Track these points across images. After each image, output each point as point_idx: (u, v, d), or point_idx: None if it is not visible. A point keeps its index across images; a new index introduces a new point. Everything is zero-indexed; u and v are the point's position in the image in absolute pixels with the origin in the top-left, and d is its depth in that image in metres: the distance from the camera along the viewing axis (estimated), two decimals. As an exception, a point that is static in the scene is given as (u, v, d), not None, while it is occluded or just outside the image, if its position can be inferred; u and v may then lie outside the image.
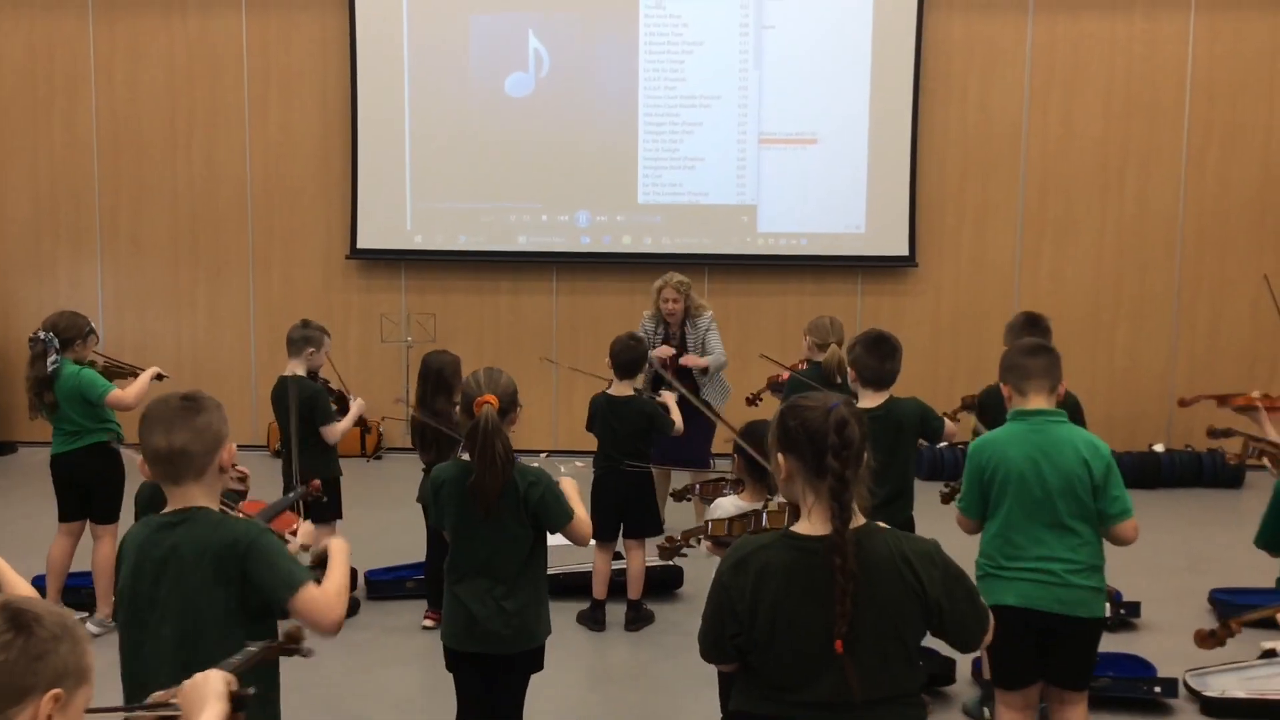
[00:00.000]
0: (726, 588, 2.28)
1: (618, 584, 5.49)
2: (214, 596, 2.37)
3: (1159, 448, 8.42)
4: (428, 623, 5.32)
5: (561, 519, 3.39)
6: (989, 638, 2.38)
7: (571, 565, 5.64)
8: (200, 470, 2.42)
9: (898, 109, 8.63)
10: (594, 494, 5.34)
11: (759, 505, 2.95)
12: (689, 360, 6.48)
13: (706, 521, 3.02)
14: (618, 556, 5.53)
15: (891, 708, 2.26)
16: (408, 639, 5.23)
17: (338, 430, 5.44)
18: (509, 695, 3.48)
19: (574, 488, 3.51)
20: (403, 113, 8.82)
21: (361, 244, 8.95)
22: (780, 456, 2.30)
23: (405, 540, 5.96)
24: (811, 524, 2.26)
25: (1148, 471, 8.17)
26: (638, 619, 5.40)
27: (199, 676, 1.81)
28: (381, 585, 5.74)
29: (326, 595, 2.42)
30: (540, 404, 8.32)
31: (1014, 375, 3.43)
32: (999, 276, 8.90)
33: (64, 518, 5.26)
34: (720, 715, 3.43)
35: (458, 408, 3.66)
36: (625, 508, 5.38)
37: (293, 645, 2.13)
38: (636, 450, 5.41)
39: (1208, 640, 2.96)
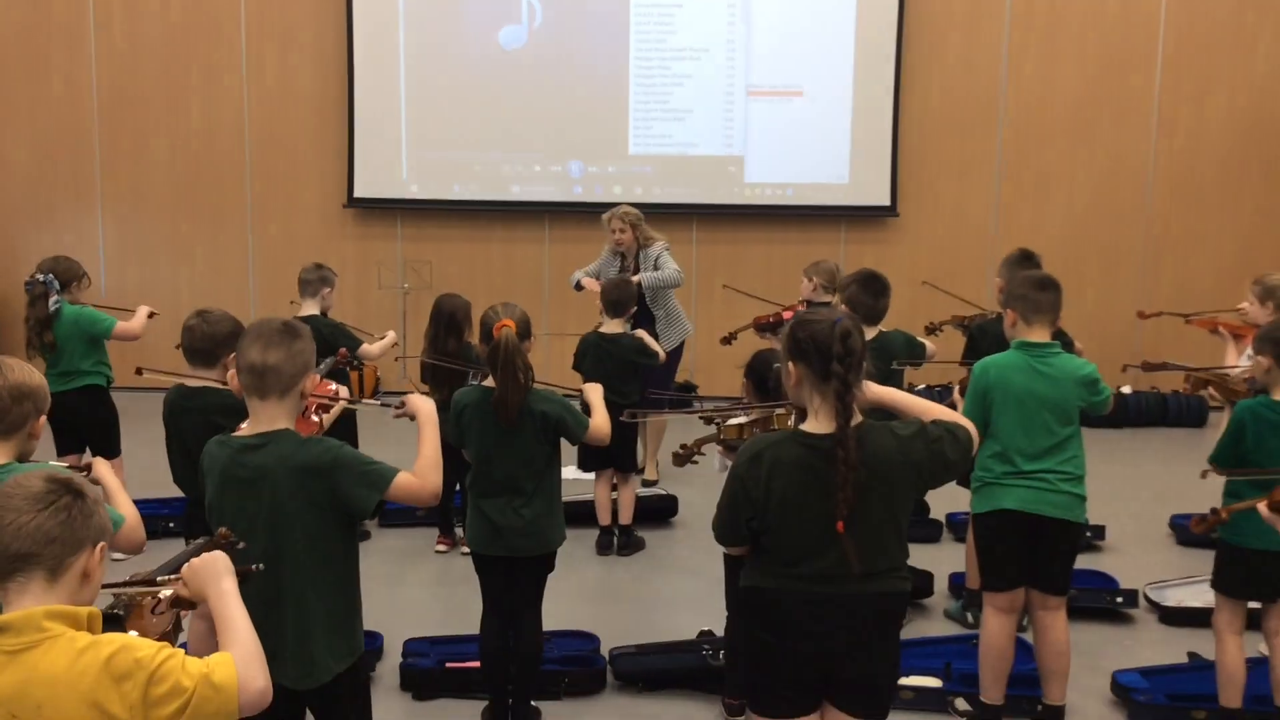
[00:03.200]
0: (743, 478, 2.59)
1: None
2: (303, 509, 2.60)
3: (1126, 389, 8.81)
4: (440, 547, 5.65)
5: (580, 429, 3.73)
6: (977, 443, 2.69)
7: (573, 496, 5.98)
8: (285, 390, 2.63)
9: (881, 62, 8.90)
10: None
11: (768, 413, 3.25)
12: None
13: (718, 426, 3.33)
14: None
15: (883, 578, 2.59)
16: (423, 562, 5.55)
17: (374, 351, 5.66)
18: (528, 592, 3.83)
19: (599, 392, 3.88)
20: (398, 65, 9.02)
21: (358, 194, 9.18)
22: (790, 364, 2.60)
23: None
24: (818, 423, 2.57)
25: (1116, 412, 8.53)
26: (629, 544, 5.73)
27: (206, 556, 2.03)
28: (392, 514, 6.04)
29: (418, 478, 2.72)
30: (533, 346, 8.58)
31: (1024, 305, 3.73)
32: (977, 226, 9.22)
33: (61, 453, 5.45)
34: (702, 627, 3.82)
35: (478, 339, 3.93)
36: (616, 441, 5.59)
37: (226, 546, 2.29)
38: (625, 387, 5.67)
39: (1200, 524, 3.27)
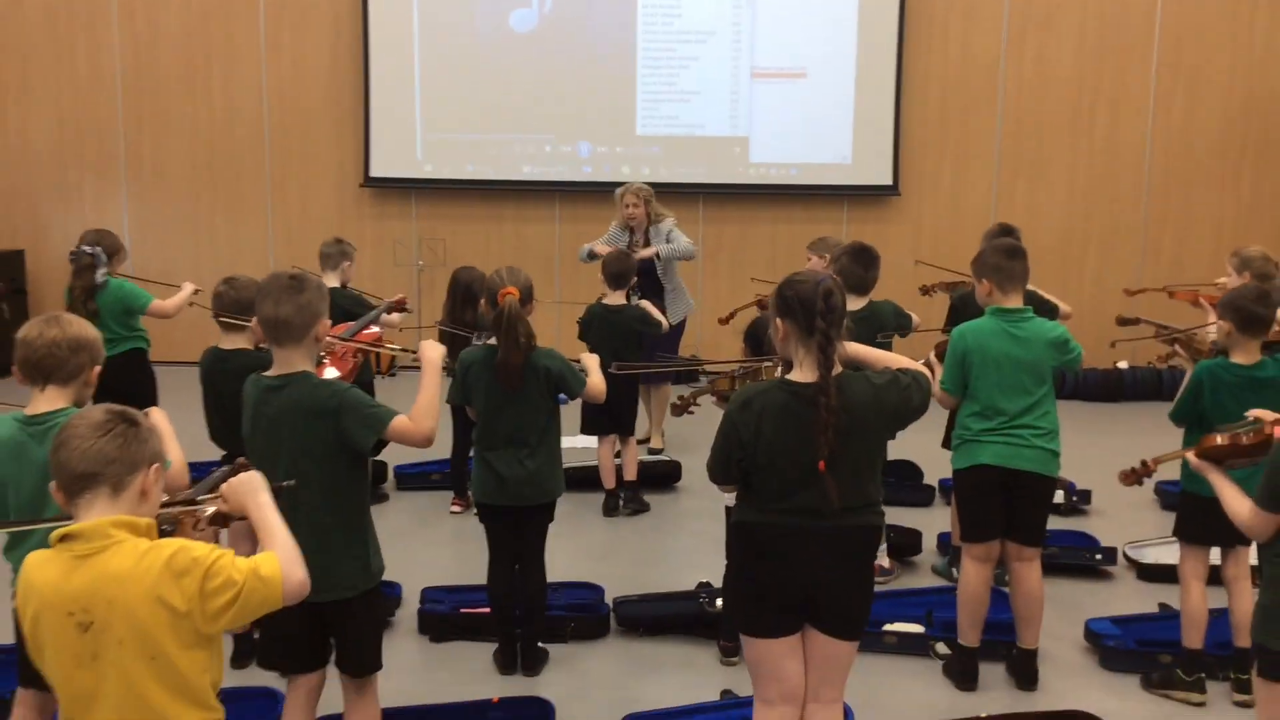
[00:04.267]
0: (735, 423, 2.84)
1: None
2: (315, 445, 2.91)
3: (1123, 364, 9.04)
4: (455, 508, 5.93)
5: (578, 385, 4.03)
6: (937, 390, 2.93)
7: (578, 462, 6.25)
8: (299, 338, 2.92)
9: (883, 45, 9.12)
10: None
11: (757, 366, 3.52)
12: (642, 252, 6.85)
13: (712, 378, 3.58)
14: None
15: (860, 513, 2.84)
16: (438, 522, 5.83)
17: (394, 320, 5.86)
18: (532, 540, 4.12)
19: (595, 362, 4.14)
20: (412, 47, 9.27)
21: (374, 173, 9.44)
22: (779, 321, 2.86)
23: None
24: (802, 373, 2.81)
25: (1112, 387, 8.81)
26: (634, 503, 6.00)
27: (244, 475, 2.30)
28: (409, 478, 6.33)
29: (411, 421, 2.94)
30: (543, 319, 8.84)
31: (998, 275, 3.97)
32: (977, 206, 9.44)
33: None
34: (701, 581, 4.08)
35: (484, 302, 4.20)
36: (617, 407, 5.84)
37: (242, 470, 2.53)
38: (629, 356, 5.91)
39: (1129, 477, 3.52)
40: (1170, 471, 6.45)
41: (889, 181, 9.32)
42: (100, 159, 9.65)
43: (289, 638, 3.01)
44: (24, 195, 9.71)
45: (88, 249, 5.37)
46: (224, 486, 2.26)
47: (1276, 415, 3.14)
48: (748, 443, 2.82)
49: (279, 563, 2.07)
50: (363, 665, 3.03)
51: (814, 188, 9.37)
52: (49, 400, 2.84)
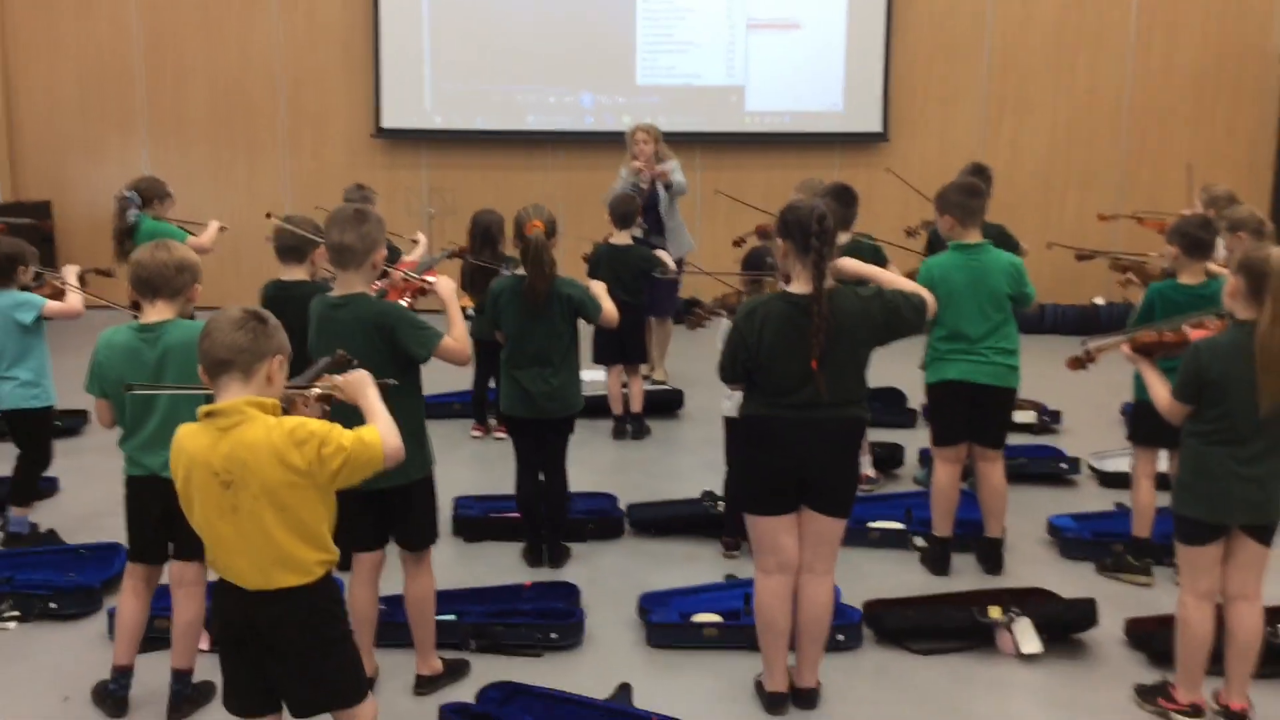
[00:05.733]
0: (741, 329, 3.34)
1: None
2: (371, 354, 3.31)
3: (1099, 300, 9.53)
4: (475, 434, 6.44)
5: (596, 312, 4.54)
6: (933, 308, 3.40)
7: (589, 392, 6.72)
8: (359, 263, 3.38)
9: (873, -5, 9.51)
10: (597, 329, 6.04)
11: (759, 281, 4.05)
12: (659, 168, 7.29)
13: (722, 295, 4.07)
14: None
15: (847, 407, 3.34)
16: (462, 446, 6.34)
17: (407, 262, 6.30)
18: (555, 449, 4.65)
19: (603, 288, 4.65)
20: (421, 1, 9.64)
21: (385, 124, 9.85)
22: (780, 241, 3.34)
23: (446, 378, 6.98)
24: (799, 286, 3.30)
25: (1088, 321, 9.30)
26: (640, 431, 6.51)
27: (358, 372, 2.77)
28: (433, 407, 6.70)
29: (456, 343, 3.46)
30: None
31: (960, 212, 4.46)
32: (964, 149, 9.84)
33: None
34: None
35: (511, 234, 4.68)
36: (625, 340, 6.36)
37: (344, 363, 2.93)
38: (635, 291, 6.40)
39: (1074, 364, 4.05)
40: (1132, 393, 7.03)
41: (879, 128, 9.75)
42: (121, 111, 10.06)
43: (354, 522, 3.52)
44: (50, 148, 10.13)
45: (125, 193, 5.80)
46: (341, 379, 2.74)
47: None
48: (752, 345, 3.31)
49: (380, 433, 2.56)
50: (419, 540, 3.55)
51: (807, 135, 9.80)
52: (158, 313, 3.33)
